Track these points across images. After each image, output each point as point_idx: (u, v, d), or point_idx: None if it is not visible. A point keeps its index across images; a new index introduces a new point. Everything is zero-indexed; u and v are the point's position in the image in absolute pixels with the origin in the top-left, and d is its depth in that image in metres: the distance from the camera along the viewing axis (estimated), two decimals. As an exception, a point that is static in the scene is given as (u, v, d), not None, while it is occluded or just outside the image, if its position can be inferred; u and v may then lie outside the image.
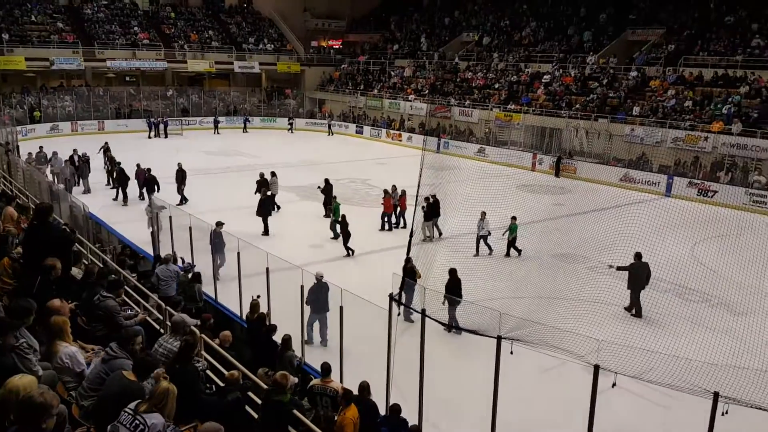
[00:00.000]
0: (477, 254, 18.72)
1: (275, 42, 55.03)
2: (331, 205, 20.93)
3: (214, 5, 55.50)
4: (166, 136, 42.64)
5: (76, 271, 8.96)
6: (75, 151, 27.08)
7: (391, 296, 9.83)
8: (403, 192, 21.69)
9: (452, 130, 41.36)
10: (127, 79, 50.70)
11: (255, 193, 22.39)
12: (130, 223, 20.09)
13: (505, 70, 43.11)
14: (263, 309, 11.33)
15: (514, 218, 18.38)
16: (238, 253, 12.85)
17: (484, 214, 18.22)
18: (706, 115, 30.34)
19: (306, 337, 11.93)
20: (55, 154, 26.65)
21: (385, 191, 21.68)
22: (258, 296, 11.48)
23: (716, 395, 6.87)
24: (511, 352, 8.06)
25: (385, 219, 21.58)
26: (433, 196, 20.25)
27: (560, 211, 23.29)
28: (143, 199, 23.66)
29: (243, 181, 25.37)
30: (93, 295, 7.54)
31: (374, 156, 37.95)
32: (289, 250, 16.72)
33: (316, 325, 12.59)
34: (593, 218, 21.43)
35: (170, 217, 15.77)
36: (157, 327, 8.41)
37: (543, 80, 39.77)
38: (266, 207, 20.77)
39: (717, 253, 16.92)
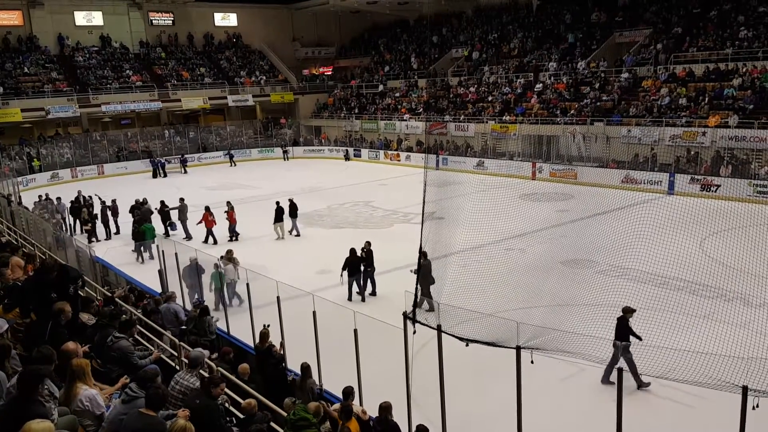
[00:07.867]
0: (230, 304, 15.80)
1: (267, 73, 55.39)
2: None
3: (204, 43, 55.91)
4: (164, 175, 42.70)
5: (87, 317, 8.88)
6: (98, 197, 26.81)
7: (404, 314, 9.72)
8: (231, 207, 23.66)
9: (450, 146, 41.45)
10: (123, 122, 50.98)
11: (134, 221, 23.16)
12: (137, 264, 20.10)
13: (497, 83, 43.31)
14: (277, 338, 11.21)
15: (216, 265, 15.79)
16: (248, 284, 12.76)
17: (222, 258, 16.38)
18: (703, 111, 30.39)
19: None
20: (58, 199, 26.61)
21: (207, 207, 23.28)
22: (268, 325, 11.34)
23: (745, 389, 6.73)
24: (532, 362, 7.96)
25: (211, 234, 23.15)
26: (290, 200, 23.78)
27: (565, 217, 23.21)
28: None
29: (245, 213, 25.33)
30: (105, 337, 7.46)
31: (374, 178, 38.00)
32: (297, 277, 16.61)
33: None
34: (598, 222, 21.32)
35: (176, 254, 15.72)
36: (172, 364, 8.32)
37: (535, 89, 39.92)
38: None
39: (727, 247, 16.72)
